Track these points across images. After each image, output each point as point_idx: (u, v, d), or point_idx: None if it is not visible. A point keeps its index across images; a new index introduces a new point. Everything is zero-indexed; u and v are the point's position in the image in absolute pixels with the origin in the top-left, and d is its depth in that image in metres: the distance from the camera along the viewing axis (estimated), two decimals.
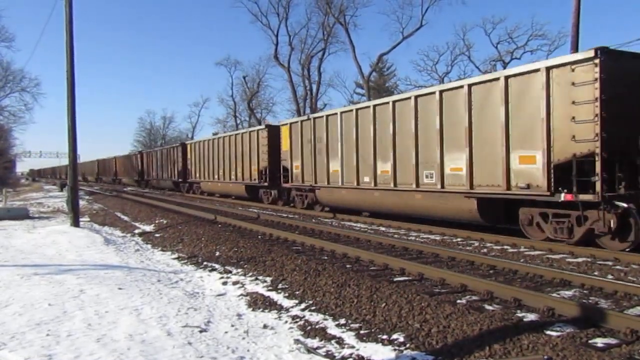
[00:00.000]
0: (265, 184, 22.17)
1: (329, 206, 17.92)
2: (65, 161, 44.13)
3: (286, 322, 5.79)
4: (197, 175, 31.65)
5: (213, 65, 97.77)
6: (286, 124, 20.44)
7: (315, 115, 18.69)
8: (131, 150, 70.96)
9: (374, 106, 14.86)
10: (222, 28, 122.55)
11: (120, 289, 7.04)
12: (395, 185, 13.87)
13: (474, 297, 6.26)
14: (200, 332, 5.28)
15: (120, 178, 56.63)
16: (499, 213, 11.47)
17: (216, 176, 28.23)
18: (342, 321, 5.70)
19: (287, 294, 6.98)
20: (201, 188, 31.20)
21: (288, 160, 19.86)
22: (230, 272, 8.66)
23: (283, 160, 20.34)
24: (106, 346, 4.73)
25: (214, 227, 14.18)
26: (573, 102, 9.22)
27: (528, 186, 10.11)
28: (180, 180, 35.04)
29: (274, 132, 21.71)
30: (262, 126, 23.62)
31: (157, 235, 14.07)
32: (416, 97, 13.10)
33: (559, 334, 4.81)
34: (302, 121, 19.14)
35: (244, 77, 56.96)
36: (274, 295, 6.98)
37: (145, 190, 43.39)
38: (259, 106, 58.71)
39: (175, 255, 10.77)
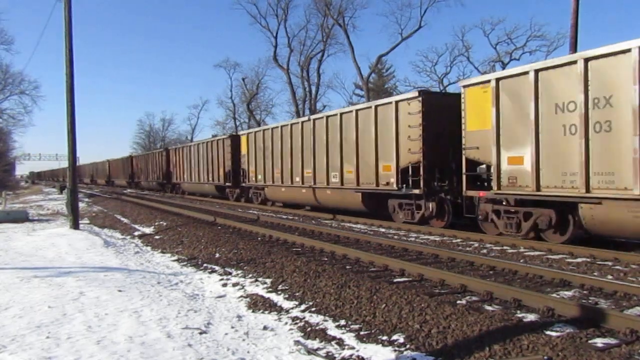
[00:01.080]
0: (416, 191, 13.33)
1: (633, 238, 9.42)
2: (64, 163, 44.18)
3: (286, 323, 5.79)
4: (259, 177, 22.75)
5: (212, 67, 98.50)
6: (482, 84, 11.33)
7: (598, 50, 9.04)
8: (131, 152, 69.03)
9: None
10: (221, 30, 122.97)
11: (120, 291, 7.04)
12: None
13: (474, 298, 6.27)
14: (200, 333, 5.28)
15: (139, 181, 48.09)
16: None
17: (297, 179, 19.34)
18: (342, 322, 5.70)
19: (287, 296, 6.97)
20: (265, 195, 22.81)
21: (489, 147, 11.07)
22: (230, 273, 8.66)
23: (467, 149, 11.70)
24: (106, 348, 4.73)
25: (214, 229, 14.18)
26: None
27: None
28: (228, 184, 26.76)
29: (435, 104, 13.25)
30: (409, 94, 14.02)
31: (156, 237, 14.06)
32: None
33: (558, 334, 4.81)
34: (538, 71, 10.05)
35: (243, 79, 57.04)
36: (274, 296, 6.98)
37: (144, 194, 43.12)
38: (258, 108, 58.81)
39: (175, 257, 10.76)
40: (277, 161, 20.95)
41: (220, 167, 27.49)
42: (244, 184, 24.93)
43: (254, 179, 23.38)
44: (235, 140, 26.27)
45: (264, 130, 22.70)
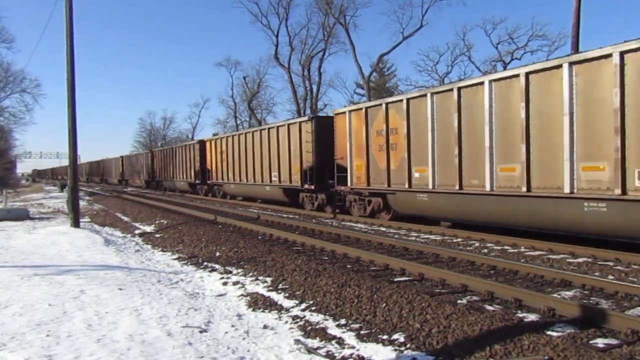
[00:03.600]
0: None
1: None
2: (65, 162, 43.73)
3: (286, 322, 5.79)
4: None
5: (213, 66, 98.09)
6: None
7: None
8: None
9: None
10: (223, 29, 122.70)
11: (120, 289, 7.03)
12: None
13: (475, 298, 6.26)
14: (201, 332, 5.28)
15: (219, 185, 27.27)
16: None
17: None
18: (343, 321, 5.69)
19: (287, 294, 6.97)
20: None
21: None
22: (231, 272, 8.65)
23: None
24: (106, 346, 4.72)
25: (214, 227, 14.17)
26: None
27: None
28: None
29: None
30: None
31: (157, 235, 14.06)
32: None
33: (559, 334, 4.80)
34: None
35: (244, 78, 56.93)
36: (274, 295, 6.98)
37: (145, 192, 42.96)
38: (259, 107, 58.70)
39: (176, 256, 10.76)
40: None
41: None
42: None
43: None
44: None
45: None
